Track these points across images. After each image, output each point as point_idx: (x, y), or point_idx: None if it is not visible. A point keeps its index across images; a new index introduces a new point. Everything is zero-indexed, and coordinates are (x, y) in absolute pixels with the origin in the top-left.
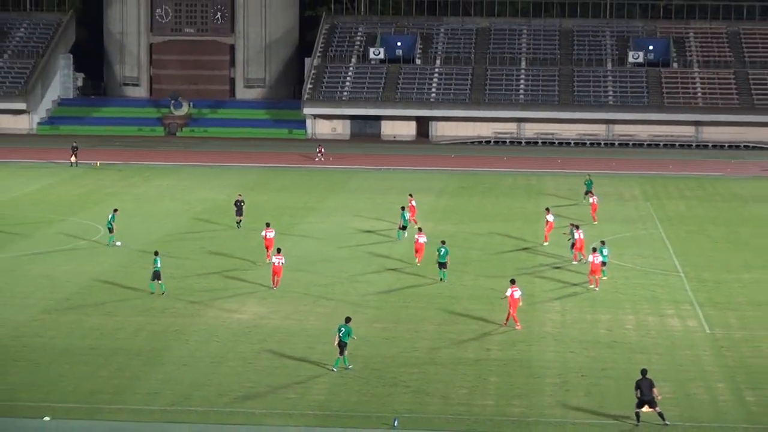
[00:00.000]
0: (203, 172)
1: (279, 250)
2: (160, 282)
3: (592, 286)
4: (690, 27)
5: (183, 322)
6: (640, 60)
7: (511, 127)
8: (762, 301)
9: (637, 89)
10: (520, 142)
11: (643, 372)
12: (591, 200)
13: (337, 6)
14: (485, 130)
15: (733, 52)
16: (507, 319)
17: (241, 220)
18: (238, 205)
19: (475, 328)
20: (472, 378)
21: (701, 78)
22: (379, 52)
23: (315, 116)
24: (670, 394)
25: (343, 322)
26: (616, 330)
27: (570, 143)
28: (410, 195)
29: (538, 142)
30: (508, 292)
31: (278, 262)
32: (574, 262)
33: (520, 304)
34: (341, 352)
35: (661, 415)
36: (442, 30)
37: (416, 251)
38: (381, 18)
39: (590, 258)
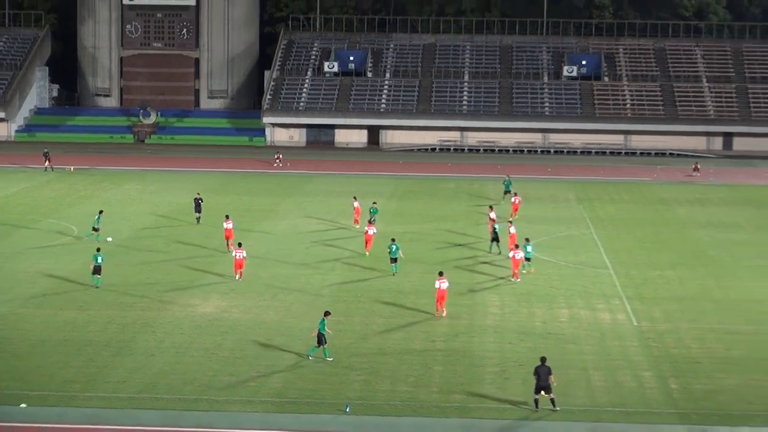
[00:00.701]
0: (170, 177)
1: (240, 245)
2: (98, 276)
3: (514, 279)
4: (620, 44)
5: (150, 315)
6: (574, 74)
7: (455, 136)
8: (684, 296)
9: (571, 101)
10: (464, 150)
11: (542, 359)
12: (513, 199)
13: (295, 23)
14: (431, 138)
15: (659, 67)
16: (437, 309)
17: (199, 217)
18: (197, 203)
19: (421, 320)
20: (418, 367)
21: (630, 90)
22: (333, 66)
23: (273, 125)
24: (601, 382)
25: (323, 317)
26: (550, 323)
27: (509, 150)
28: (354, 197)
29: (479, 150)
30: (436, 284)
31: (240, 256)
32: (509, 255)
33: (445, 294)
34: (319, 343)
35: (553, 401)
36: (392, 45)
37: (366, 242)
38: (335, 34)
39: (510, 254)
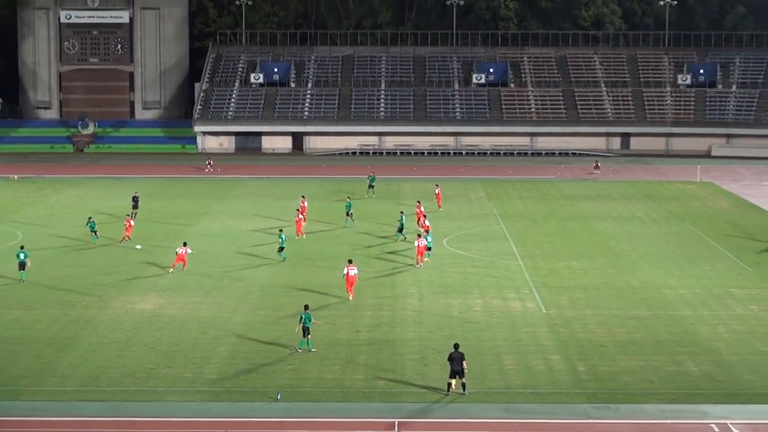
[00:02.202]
0: (108, 183)
1: (185, 243)
2: (22, 272)
3: (418, 266)
4: (524, 53)
5: (92, 313)
6: (483, 81)
7: (373, 140)
8: (588, 285)
9: (480, 106)
10: (382, 153)
11: (456, 346)
12: (436, 190)
13: (222, 37)
14: (351, 142)
15: (561, 74)
16: (350, 293)
17: (136, 213)
18: (135, 200)
19: (346, 312)
20: (344, 356)
21: (534, 96)
22: (259, 77)
23: (204, 133)
24: (513, 366)
25: (303, 310)
26: (466, 312)
27: (424, 153)
28: (302, 196)
29: (397, 152)
30: (345, 271)
31: (182, 251)
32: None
33: (357, 280)
34: (305, 335)
35: (464, 385)
36: (313, 57)
37: (298, 231)
38: (260, 48)
39: (416, 243)
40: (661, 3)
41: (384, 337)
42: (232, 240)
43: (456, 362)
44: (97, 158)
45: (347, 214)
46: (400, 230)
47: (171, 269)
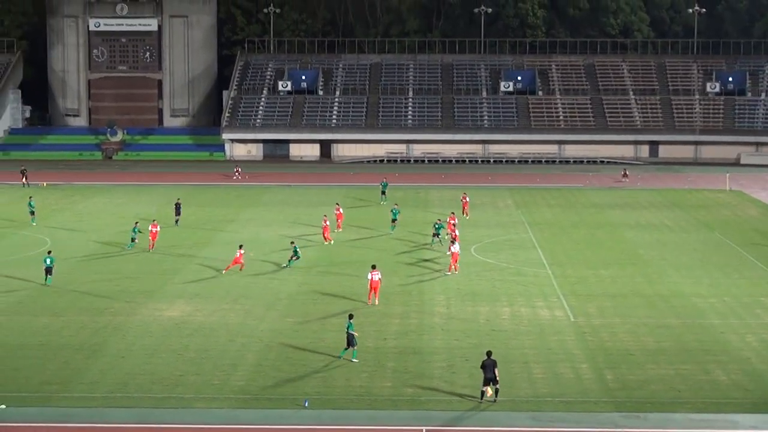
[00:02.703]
0: (136, 190)
1: (241, 246)
2: (49, 276)
3: (449, 273)
4: (552, 60)
5: (120, 319)
6: (511, 89)
7: (401, 148)
8: (616, 293)
9: (508, 114)
10: (410, 161)
11: (488, 353)
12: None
13: (250, 45)
14: (379, 150)
15: (589, 82)
16: (370, 298)
17: (178, 219)
18: (177, 206)
19: (374, 320)
20: (371, 364)
21: (562, 104)
22: (287, 85)
23: (232, 140)
24: (541, 374)
25: (348, 319)
26: (493, 320)
27: (452, 161)
28: (337, 203)
29: (424, 160)
30: (369, 276)
31: (239, 254)
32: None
33: (380, 285)
34: (350, 344)
35: (497, 391)
36: (341, 65)
37: (324, 237)
38: (288, 56)
39: (450, 249)
40: (690, 11)
41: (412, 345)
42: (260, 247)
43: (489, 369)
44: (125, 165)
45: (393, 221)
46: (436, 235)
47: (224, 271)
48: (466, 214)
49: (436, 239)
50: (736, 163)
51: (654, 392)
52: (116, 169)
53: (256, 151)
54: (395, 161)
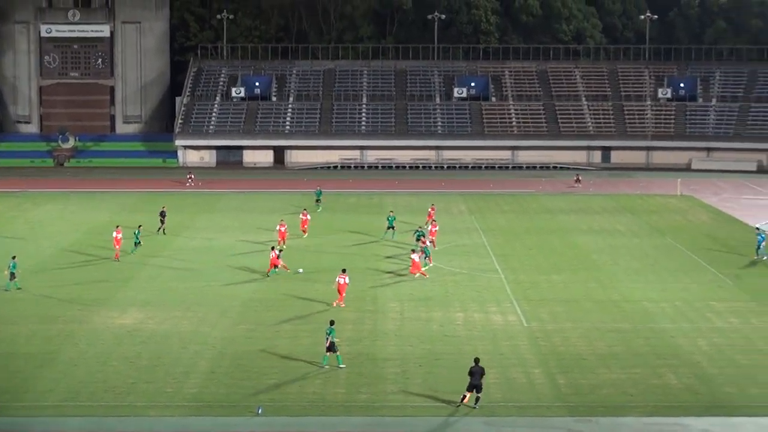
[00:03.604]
0: (89, 197)
1: (273, 248)
2: (12, 282)
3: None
4: (505, 66)
5: (72, 327)
6: (464, 95)
7: (355, 154)
8: (569, 298)
9: (462, 120)
10: (363, 167)
11: (476, 360)
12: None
13: (203, 52)
14: (333, 156)
15: (542, 88)
16: (337, 301)
17: (163, 228)
18: (162, 214)
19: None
20: (325, 370)
21: (515, 109)
22: (240, 91)
23: (185, 147)
24: (494, 379)
25: (329, 325)
26: (447, 325)
27: (405, 167)
28: (304, 209)
29: (378, 166)
30: (338, 280)
31: (274, 255)
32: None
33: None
34: (331, 350)
35: (477, 399)
36: (294, 71)
37: (280, 238)
38: (241, 62)
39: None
40: (642, 17)
41: (365, 351)
42: (214, 254)
43: (476, 376)
44: (77, 172)
45: (390, 227)
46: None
47: (268, 274)
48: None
49: (419, 245)
50: (687, 169)
51: (606, 396)
52: (68, 176)
53: (209, 158)
54: (349, 167)
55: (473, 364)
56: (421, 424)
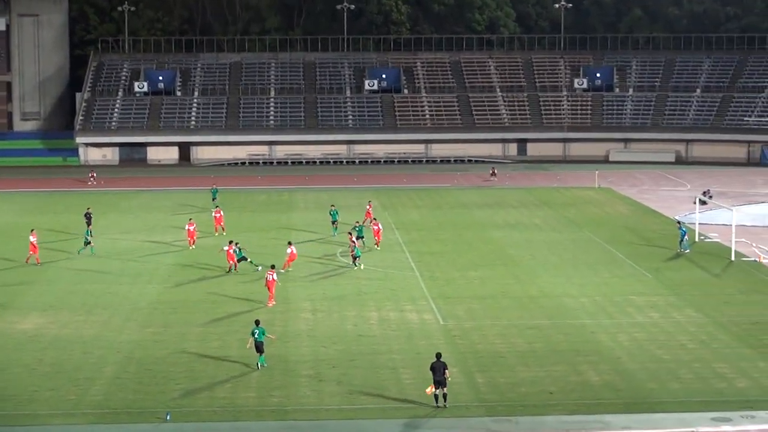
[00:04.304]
0: None
1: (290, 242)
2: None
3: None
4: (417, 57)
5: None
6: (375, 87)
7: (263, 150)
8: (486, 295)
9: (374, 113)
10: (272, 163)
11: (438, 355)
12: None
13: (104, 45)
14: (240, 152)
15: (455, 79)
16: (269, 299)
17: (90, 231)
18: (88, 216)
19: (237, 328)
20: (235, 373)
21: (429, 102)
22: (143, 86)
23: (87, 144)
24: (411, 379)
25: (255, 325)
26: (361, 325)
27: (316, 162)
28: (217, 206)
29: (288, 162)
30: (267, 277)
31: (290, 250)
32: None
33: (278, 284)
34: (260, 351)
35: (444, 396)
36: (199, 65)
37: (189, 238)
38: (144, 55)
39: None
40: (556, 6)
41: (276, 353)
42: (117, 255)
43: (438, 372)
44: None
45: (333, 222)
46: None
47: (283, 270)
48: (370, 222)
49: (360, 243)
50: (605, 161)
51: (525, 395)
52: None
53: (111, 155)
54: (257, 163)
55: (434, 360)
56: (335, 427)
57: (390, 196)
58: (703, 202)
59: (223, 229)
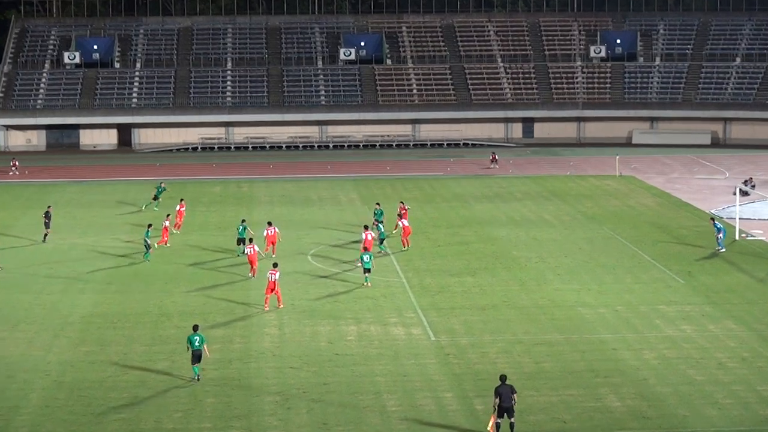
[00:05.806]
0: None
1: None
2: None
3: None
4: (402, 21)
5: None
6: (352, 57)
7: (219, 132)
8: (486, 305)
9: (350, 88)
10: (230, 148)
11: (502, 378)
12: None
13: (28, 8)
14: (192, 136)
15: (448, 47)
16: (278, 302)
17: (47, 234)
18: (47, 215)
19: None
20: (186, 400)
21: (416, 74)
22: (75, 57)
23: (7, 127)
24: (397, 407)
25: (192, 332)
26: (337, 342)
27: (282, 147)
28: (181, 200)
29: (248, 147)
30: (267, 276)
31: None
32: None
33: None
34: (196, 362)
35: (512, 426)
36: (142, 31)
37: (163, 236)
38: (75, 20)
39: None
40: None
41: (236, 376)
42: (44, 259)
43: (505, 398)
44: None
45: (377, 221)
46: (381, 241)
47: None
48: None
49: (383, 247)
50: (627, 143)
51: (535, 424)
52: None
53: (37, 140)
54: (212, 149)
55: (499, 383)
56: None
57: (371, 187)
58: (744, 193)
59: (177, 227)
